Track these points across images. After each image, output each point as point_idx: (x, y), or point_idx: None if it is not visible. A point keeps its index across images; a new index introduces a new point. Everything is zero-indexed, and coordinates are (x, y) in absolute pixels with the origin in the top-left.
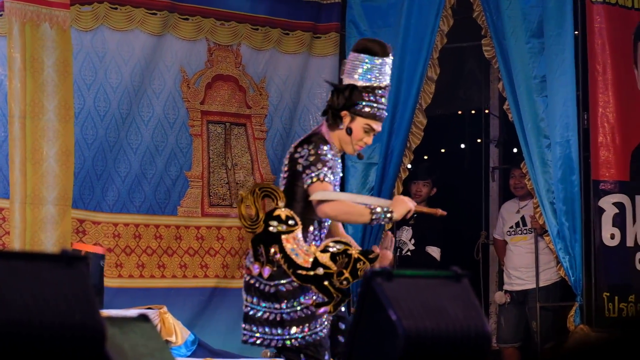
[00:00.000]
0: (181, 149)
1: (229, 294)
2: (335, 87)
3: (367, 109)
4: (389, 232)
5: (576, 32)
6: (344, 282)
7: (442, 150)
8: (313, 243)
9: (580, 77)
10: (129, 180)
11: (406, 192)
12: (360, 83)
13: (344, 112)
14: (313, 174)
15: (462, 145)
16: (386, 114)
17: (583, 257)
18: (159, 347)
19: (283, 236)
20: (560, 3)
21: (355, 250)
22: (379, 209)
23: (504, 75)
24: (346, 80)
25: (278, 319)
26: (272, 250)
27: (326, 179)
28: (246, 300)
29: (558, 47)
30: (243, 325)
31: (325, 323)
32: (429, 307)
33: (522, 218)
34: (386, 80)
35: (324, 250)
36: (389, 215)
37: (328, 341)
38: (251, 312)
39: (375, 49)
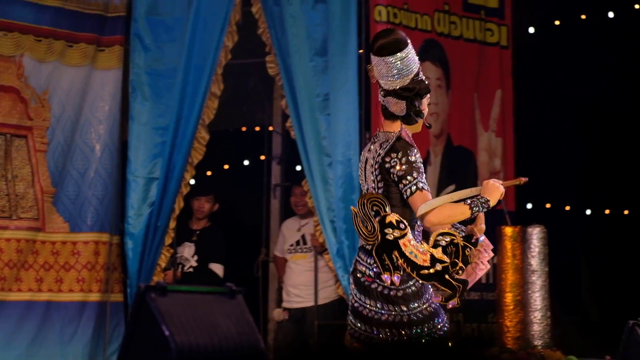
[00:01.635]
0: None
1: (5, 307)
2: (408, 92)
3: (424, 86)
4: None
5: (360, 51)
6: (460, 272)
7: (225, 167)
8: (422, 241)
9: (363, 96)
10: None
11: (188, 208)
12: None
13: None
14: (412, 185)
15: (246, 162)
16: None
17: None
18: None
19: (400, 241)
20: (345, 22)
21: (459, 238)
22: (475, 201)
23: (288, 93)
24: (394, 83)
25: (405, 320)
26: (394, 257)
27: (425, 187)
28: (368, 305)
29: (342, 65)
30: (359, 325)
31: (446, 318)
32: (202, 323)
33: (303, 236)
34: (417, 60)
35: (435, 246)
36: (487, 207)
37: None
38: (376, 316)
39: (401, 45)
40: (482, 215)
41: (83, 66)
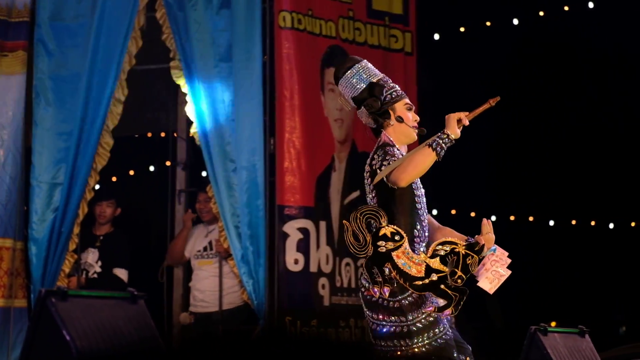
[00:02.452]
0: None
1: None
2: (360, 100)
3: (394, 93)
4: (485, 219)
5: (265, 57)
6: (459, 281)
7: (131, 172)
8: (422, 250)
9: (268, 102)
10: None
11: (91, 214)
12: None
13: (387, 109)
14: (383, 167)
15: (151, 168)
16: None
17: (267, 281)
18: None
19: (393, 253)
20: (250, 28)
21: (461, 247)
22: (435, 140)
23: (192, 99)
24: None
25: (405, 330)
26: (386, 269)
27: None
28: (372, 317)
29: (246, 71)
30: (372, 340)
31: (448, 325)
32: (103, 328)
33: (210, 242)
34: (378, 73)
35: (433, 256)
36: (446, 137)
37: (453, 341)
38: (378, 329)
39: (349, 63)
40: (486, 223)
41: None
